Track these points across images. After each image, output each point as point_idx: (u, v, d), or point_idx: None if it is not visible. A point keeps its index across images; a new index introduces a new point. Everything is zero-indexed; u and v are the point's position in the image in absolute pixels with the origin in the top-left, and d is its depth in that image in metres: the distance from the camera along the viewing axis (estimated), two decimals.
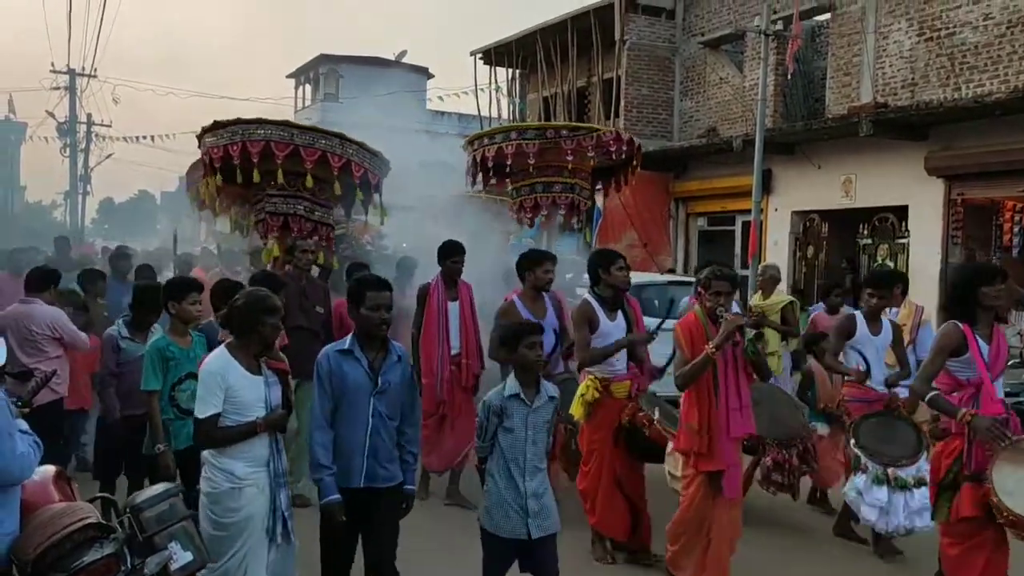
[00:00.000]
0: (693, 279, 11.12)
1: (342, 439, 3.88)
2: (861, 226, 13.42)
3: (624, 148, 8.45)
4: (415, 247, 8.84)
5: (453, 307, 6.67)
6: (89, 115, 31.67)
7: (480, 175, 8.80)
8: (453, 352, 6.62)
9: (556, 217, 8.79)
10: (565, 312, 6.25)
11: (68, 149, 30.71)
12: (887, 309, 6.23)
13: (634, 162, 8.97)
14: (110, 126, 32.30)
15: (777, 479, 5.91)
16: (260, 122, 7.49)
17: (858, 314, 6.00)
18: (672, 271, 15.33)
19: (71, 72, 29.43)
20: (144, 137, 31.31)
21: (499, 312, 6.17)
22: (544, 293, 6.23)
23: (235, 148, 7.31)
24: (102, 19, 57.32)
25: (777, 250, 14.81)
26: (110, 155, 33.09)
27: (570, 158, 8.18)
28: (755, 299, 8.83)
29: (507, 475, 3.98)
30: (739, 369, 4.74)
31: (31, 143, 33.63)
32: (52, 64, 30.21)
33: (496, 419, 4.01)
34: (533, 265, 6.16)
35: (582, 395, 5.36)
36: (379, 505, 3.92)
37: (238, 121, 7.47)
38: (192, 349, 4.97)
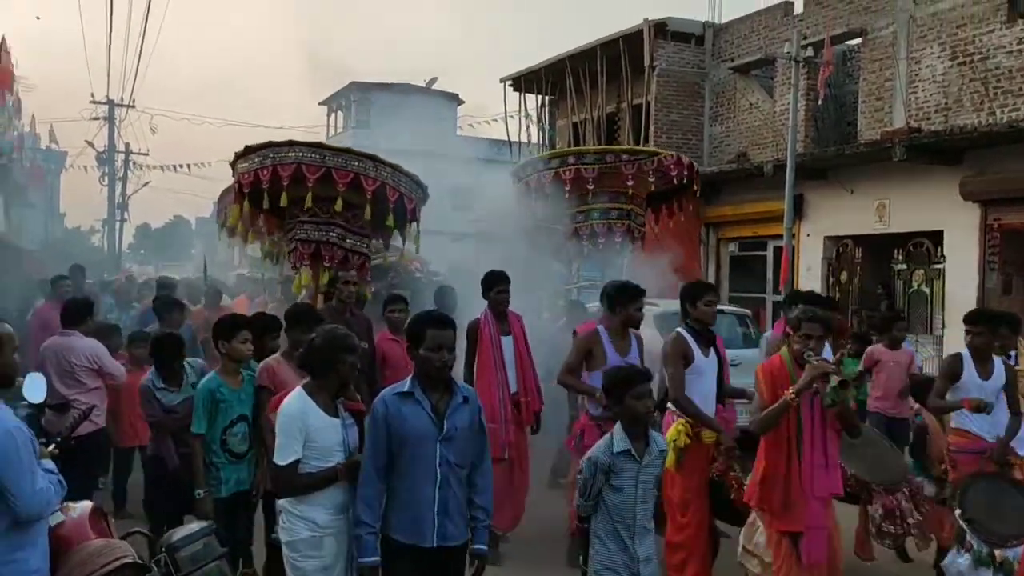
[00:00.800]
0: (735, 308, 11.05)
1: (408, 493, 3.47)
2: (895, 251, 13.28)
3: (685, 172, 8.26)
4: (463, 275, 8.68)
5: (506, 342, 6.22)
6: (127, 144, 32.29)
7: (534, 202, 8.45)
8: (512, 391, 6.20)
9: (613, 244, 8.51)
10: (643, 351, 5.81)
11: (106, 178, 31.29)
12: (1011, 352, 5.80)
13: (694, 186, 8.77)
14: (147, 154, 32.75)
15: (890, 529, 5.32)
16: (291, 144, 7.22)
17: (965, 353, 5.50)
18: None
19: (110, 103, 30.05)
20: (180, 165, 31.77)
21: (579, 340, 5.78)
22: (632, 331, 5.75)
23: (265, 172, 7.04)
24: (140, 52, 59.26)
25: (810, 276, 14.68)
26: (147, 183, 33.66)
27: (630, 183, 7.91)
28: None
29: (616, 537, 3.69)
30: (827, 421, 4.31)
31: (71, 172, 34.22)
32: (92, 95, 30.84)
33: (603, 477, 3.70)
34: (627, 301, 5.64)
35: (672, 441, 4.90)
36: (448, 568, 3.57)
37: (269, 144, 7.22)
38: (243, 389, 4.84)
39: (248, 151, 7.29)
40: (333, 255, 7.34)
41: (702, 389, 5.10)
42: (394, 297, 7.18)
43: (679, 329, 5.23)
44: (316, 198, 7.09)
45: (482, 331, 6.19)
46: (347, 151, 7.24)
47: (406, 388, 3.53)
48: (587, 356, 5.60)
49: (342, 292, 6.53)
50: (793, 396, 4.15)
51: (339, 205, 7.08)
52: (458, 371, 6.15)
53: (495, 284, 6.21)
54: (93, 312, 6.83)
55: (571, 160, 8.14)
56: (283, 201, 7.10)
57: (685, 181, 8.46)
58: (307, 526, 3.54)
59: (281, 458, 3.54)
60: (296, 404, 3.62)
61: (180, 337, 5.73)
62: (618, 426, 3.77)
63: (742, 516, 4.84)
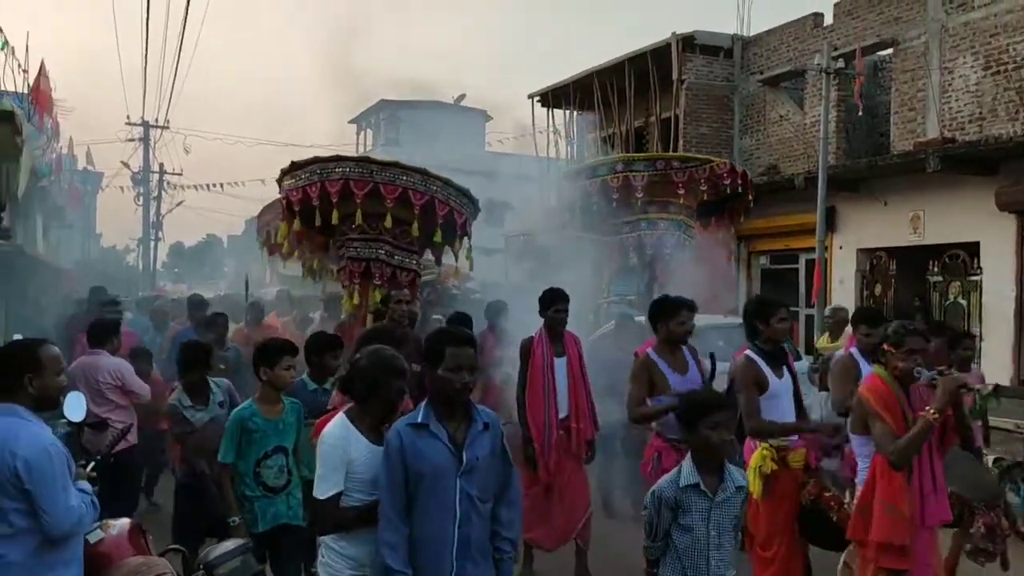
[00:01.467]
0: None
1: (424, 533, 3.13)
2: (931, 263, 13.10)
3: (739, 181, 7.96)
4: (496, 289, 8.44)
5: (560, 364, 5.91)
6: (161, 164, 32.82)
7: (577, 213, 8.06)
8: (561, 415, 5.85)
9: (662, 255, 8.11)
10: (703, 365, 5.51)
11: (141, 198, 31.82)
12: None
13: (749, 196, 8.44)
14: (181, 174, 33.27)
15: (988, 547, 5.12)
16: (338, 159, 7.03)
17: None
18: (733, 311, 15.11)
19: (145, 124, 30.60)
20: (214, 185, 32.26)
21: (636, 369, 5.36)
22: (683, 346, 5.41)
23: (313, 189, 6.84)
24: (176, 74, 60.38)
25: (843, 289, 14.52)
26: (181, 202, 34.16)
27: (681, 192, 7.60)
28: (821, 341, 8.67)
29: None
30: (933, 445, 4.02)
31: (107, 192, 34.86)
32: (128, 117, 31.43)
33: (669, 514, 3.36)
34: (667, 315, 5.32)
35: (758, 468, 4.60)
36: None
37: (315, 160, 7.03)
38: (282, 419, 4.59)
39: (294, 167, 7.14)
40: (383, 273, 7.09)
41: (779, 414, 4.76)
42: (457, 316, 6.87)
43: (748, 352, 4.82)
44: (365, 214, 6.91)
45: (534, 351, 5.89)
46: (395, 165, 7.01)
47: (420, 418, 3.20)
48: (649, 383, 5.27)
49: (395, 311, 6.28)
50: (936, 415, 3.82)
51: (388, 222, 6.88)
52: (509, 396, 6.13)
53: (553, 302, 5.90)
54: (119, 332, 6.84)
55: (619, 167, 7.89)
56: (334, 219, 6.90)
57: (739, 190, 8.13)
58: (349, 564, 3.27)
59: (321, 491, 3.25)
60: (337, 432, 3.32)
61: (207, 347, 5.65)
62: (688, 457, 3.44)
63: (845, 539, 4.42)
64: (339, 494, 3.24)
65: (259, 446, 4.49)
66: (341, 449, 3.27)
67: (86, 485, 3.36)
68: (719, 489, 3.35)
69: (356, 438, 3.30)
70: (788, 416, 4.79)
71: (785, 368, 4.83)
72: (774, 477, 4.61)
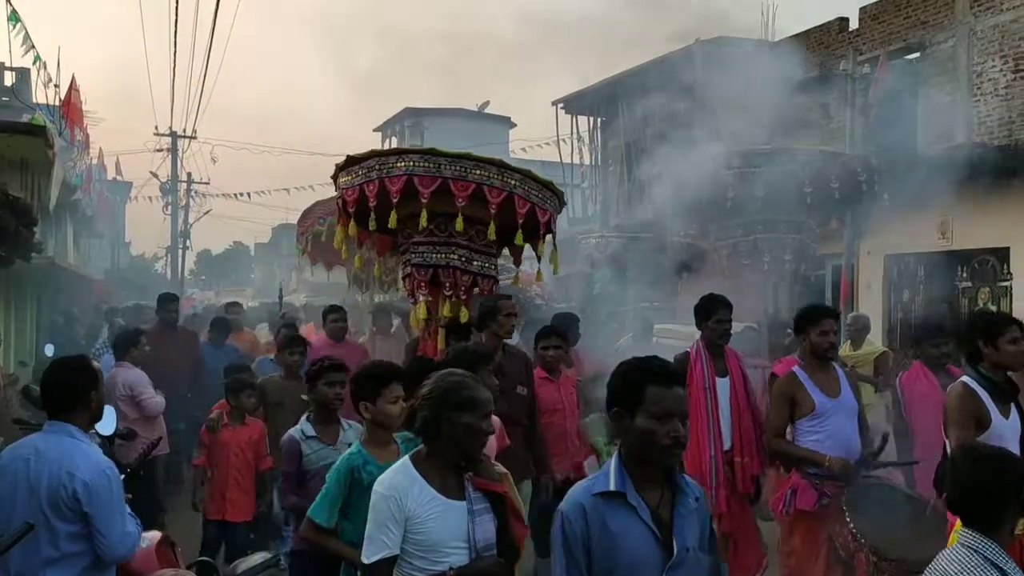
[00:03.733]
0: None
1: None
2: (959, 269, 12.95)
3: (875, 177, 7.08)
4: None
5: (722, 385, 5.06)
6: (189, 174, 33.21)
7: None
8: (725, 448, 5.01)
9: (780, 263, 7.29)
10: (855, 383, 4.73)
11: (170, 207, 32.19)
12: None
13: (885, 195, 7.59)
14: (208, 183, 33.63)
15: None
16: (400, 153, 6.12)
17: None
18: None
19: (173, 135, 30.97)
20: (241, 194, 32.62)
21: (777, 390, 4.67)
22: (833, 362, 4.71)
23: (372, 187, 5.86)
24: (203, 85, 61.08)
25: (870, 294, 14.37)
26: (208, 211, 34.52)
27: (808, 190, 6.68)
28: (844, 349, 8.57)
29: None
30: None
31: (136, 202, 35.34)
32: (156, 128, 31.88)
33: None
34: (809, 325, 4.59)
35: None
36: None
37: (374, 154, 6.11)
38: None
39: (351, 162, 6.20)
40: (457, 281, 5.97)
41: None
42: (548, 330, 6.09)
43: (965, 379, 3.94)
44: (431, 214, 5.89)
45: (693, 369, 5.04)
46: (466, 156, 6.05)
47: (611, 485, 2.33)
48: (792, 406, 4.56)
49: (504, 325, 5.48)
50: None
51: (459, 224, 5.84)
52: None
53: (714, 311, 5.10)
54: (139, 343, 6.84)
55: (736, 163, 6.85)
56: (391, 221, 5.87)
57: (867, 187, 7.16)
58: None
59: (368, 553, 2.62)
60: (395, 480, 2.67)
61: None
62: None
63: None
64: (392, 559, 2.60)
65: None
66: (397, 501, 2.61)
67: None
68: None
69: (421, 488, 2.64)
70: None
71: (1014, 407, 3.90)
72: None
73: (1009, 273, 12.15)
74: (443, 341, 5.62)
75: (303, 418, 4.19)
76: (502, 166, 5.95)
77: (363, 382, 3.65)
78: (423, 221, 5.76)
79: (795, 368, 4.63)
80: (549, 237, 5.92)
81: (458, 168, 5.83)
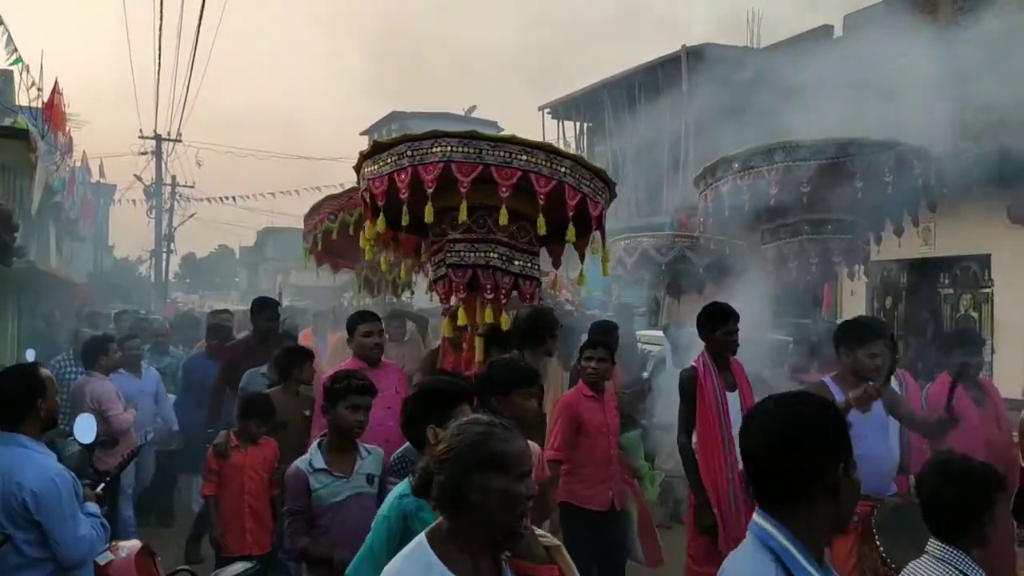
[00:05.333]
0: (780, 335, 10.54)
1: None
2: (942, 275, 13.05)
3: (932, 169, 6.60)
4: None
5: (732, 400, 4.77)
6: (174, 177, 33.05)
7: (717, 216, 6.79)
8: (740, 467, 4.50)
9: (829, 267, 6.89)
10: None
11: (154, 210, 32.05)
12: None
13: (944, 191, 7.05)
14: (193, 186, 33.50)
15: None
16: (435, 137, 5.18)
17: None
18: None
19: (157, 138, 30.84)
20: (226, 197, 32.50)
21: None
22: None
23: (403, 176, 5.08)
24: (188, 88, 59.74)
25: (854, 300, 14.45)
26: (192, 215, 34.38)
27: (860, 185, 6.25)
28: None
29: None
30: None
31: (119, 205, 35.17)
32: (140, 131, 31.70)
33: None
34: (855, 343, 4.21)
35: None
36: None
37: (405, 139, 5.29)
38: None
39: (378, 148, 5.41)
40: (498, 283, 5.25)
41: None
42: (593, 341, 5.45)
43: None
44: (471, 207, 5.13)
45: (703, 384, 4.73)
46: (511, 140, 5.27)
47: (797, 556, 1.72)
48: None
49: (552, 344, 4.95)
50: None
51: (503, 217, 5.08)
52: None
53: (723, 322, 4.79)
54: (108, 350, 6.55)
55: (779, 157, 6.32)
56: (427, 215, 5.15)
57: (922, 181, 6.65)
58: None
59: None
60: (404, 571, 1.95)
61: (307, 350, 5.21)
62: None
63: None
64: None
65: None
66: None
67: (94, 507, 3.40)
68: None
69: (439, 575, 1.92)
70: None
71: None
72: None
73: (990, 280, 12.26)
74: (481, 352, 5.08)
75: (313, 445, 3.72)
76: (551, 151, 5.26)
77: (430, 399, 3.01)
78: (462, 214, 5.01)
79: (826, 379, 4.37)
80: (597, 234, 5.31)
81: (502, 153, 5.06)
